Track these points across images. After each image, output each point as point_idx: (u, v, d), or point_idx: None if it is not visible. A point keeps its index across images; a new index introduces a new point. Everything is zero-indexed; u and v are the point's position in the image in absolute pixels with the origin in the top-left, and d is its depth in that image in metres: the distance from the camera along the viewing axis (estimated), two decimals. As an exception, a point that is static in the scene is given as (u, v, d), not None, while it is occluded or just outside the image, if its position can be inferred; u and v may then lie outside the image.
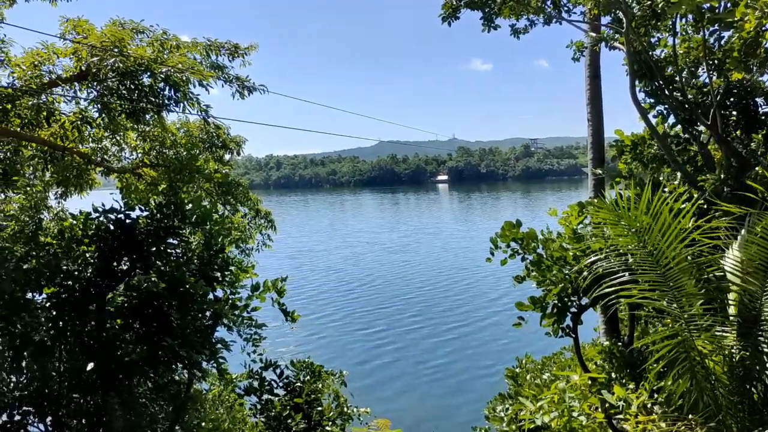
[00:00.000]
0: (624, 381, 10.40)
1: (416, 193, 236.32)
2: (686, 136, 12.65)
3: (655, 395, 8.47)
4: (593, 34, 13.50)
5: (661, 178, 11.49)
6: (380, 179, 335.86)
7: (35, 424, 11.11)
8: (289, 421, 11.07)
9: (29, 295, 10.62)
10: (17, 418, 10.99)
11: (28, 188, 13.64)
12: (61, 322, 9.86)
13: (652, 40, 13.00)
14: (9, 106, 10.01)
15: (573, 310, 10.64)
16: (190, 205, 10.42)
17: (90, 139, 12.99)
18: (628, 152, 13.00)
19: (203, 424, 12.45)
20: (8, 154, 12.84)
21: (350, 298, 45.29)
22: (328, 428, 11.46)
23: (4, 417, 11.00)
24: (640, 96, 12.29)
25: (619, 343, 12.15)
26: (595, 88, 14.88)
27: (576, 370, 11.48)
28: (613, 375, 11.01)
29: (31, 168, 13.74)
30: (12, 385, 10.95)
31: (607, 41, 13.08)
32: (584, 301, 10.64)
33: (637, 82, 11.95)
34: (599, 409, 8.91)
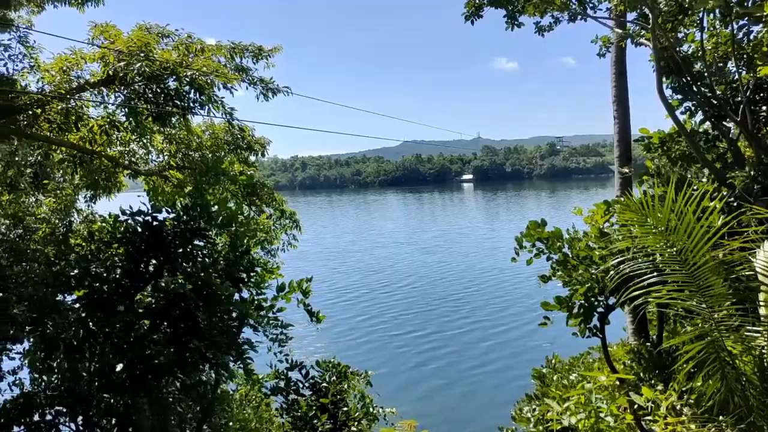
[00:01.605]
0: (653, 382, 10.28)
1: (441, 192, 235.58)
2: (715, 132, 12.44)
3: (685, 396, 8.36)
4: (619, 31, 13.34)
5: (689, 176, 11.33)
6: (405, 179, 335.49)
7: (67, 424, 11.32)
8: (315, 421, 11.12)
9: (59, 297, 10.83)
10: (49, 417, 11.22)
11: (58, 191, 13.91)
12: (90, 323, 10.02)
13: (680, 35, 12.81)
14: (39, 111, 10.21)
15: (600, 310, 10.54)
16: (216, 207, 10.53)
17: (118, 143, 13.18)
18: (655, 150, 12.82)
19: (231, 423, 12.57)
20: (39, 158, 13.10)
21: (383, 299, 45.11)
22: (353, 429, 11.48)
23: (36, 416, 11.23)
24: (667, 92, 12.12)
25: (648, 344, 12.01)
26: (621, 84, 14.70)
27: (604, 371, 11.37)
28: (642, 375, 10.89)
29: (61, 171, 14.00)
30: (44, 384, 11.17)
31: (632, 37, 12.90)
32: (611, 301, 10.53)
33: (663, 79, 11.78)
34: (624, 411, 8.82)
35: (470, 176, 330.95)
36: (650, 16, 10.73)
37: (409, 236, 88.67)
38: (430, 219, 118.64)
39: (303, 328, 12.07)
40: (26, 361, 11.41)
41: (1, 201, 13.22)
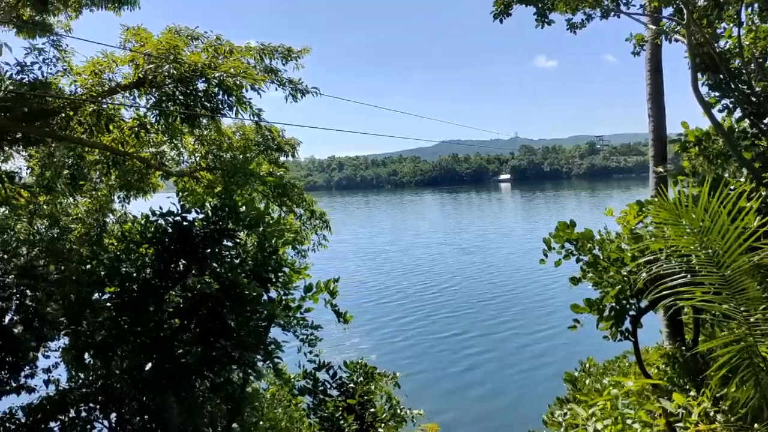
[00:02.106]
0: (687, 387, 10.00)
1: (479, 192, 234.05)
2: (754, 130, 12.05)
3: (720, 403, 8.11)
4: (653, 27, 13.02)
5: (726, 175, 10.99)
6: (441, 179, 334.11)
7: (100, 420, 11.54)
8: (342, 422, 11.12)
9: (93, 296, 11.04)
10: (84, 414, 11.45)
11: (93, 192, 14.19)
12: (121, 322, 10.18)
13: (719, 31, 12.46)
14: (71, 114, 10.43)
15: (632, 313, 10.30)
16: (244, 207, 10.60)
17: (149, 144, 13.39)
18: (691, 148, 12.49)
19: (261, 423, 12.63)
20: (74, 159, 13.39)
21: (421, 300, 44.82)
22: (381, 430, 11.44)
23: (72, 413, 11.46)
24: (704, 90, 11.79)
25: (683, 348, 11.70)
26: (656, 82, 14.32)
27: (637, 375, 11.12)
28: (676, 381, 10.61)
29: (97, 173, 14.28)
30: (80, 382, 11.39)
31: (667, 34, 12.57)
32: (644, 303, 10.28)
33: (699, 76, 11.47)
34: (659, 416, 8.58)
35: (508, 176, 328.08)
36: (685, 11, 10.45)
37: (447, 236, 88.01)
38: (468, 219, 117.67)
39: (346, 329, 12.00)
40: (63, 359, 11.68)
41: (39, 202, 13.54)
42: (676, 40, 12.63)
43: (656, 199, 9.51)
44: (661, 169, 13.49)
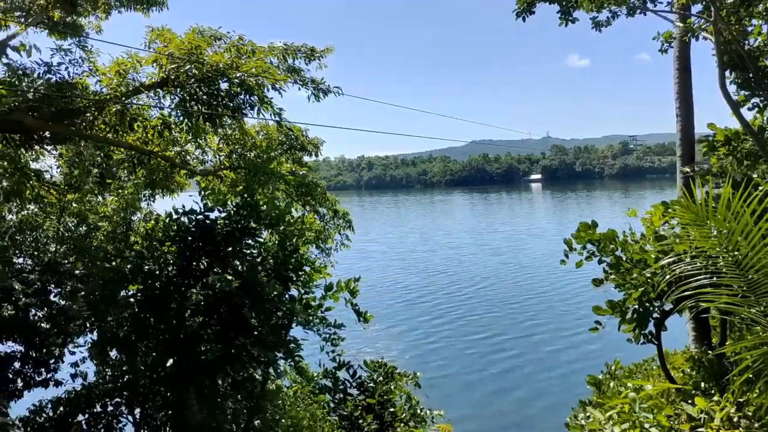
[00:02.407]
0: (713, 392, 9.80)
1: (509, 192, 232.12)
2: (785, 130, 11.77)
3: (744, 408, 7.93)
4: (680, 25, 12.78)
5: (755, 176, 10.75)
6: (471, 179, 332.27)
7: (125, 415, 11.73)
8: (360, 421, 11.12)
9: (118, 293, 11.22)
10: (110, 408, 11.65)
11: (120, 190, 14.43)
12: (143, 318, 10.32)
13: (748, 28, 12.16)
14: (96, 113, 10.61)
15: (656, 315, 10.12)
16: (265, 206, 10.66)
17: (174, 143, 13.56)
18: (720, 148, 12.23)
19: (283, 420, 12.69)
20: (102, 158, 13.63)
21: (451, 300, 44.52)
22: (399, 430, 11.41)
23: (98, 407, 11.68)
24: (732, 88, 11.54)
25: (710, 351, 11.47)
26: (684, 81, 14.04)
27: (661, 379, 10.93)
28: (703, 385, 10.39)
29: (125, 171, 14.52)
30: (108, 377, 11.60)
31: (694, 32, 12.31)
32: (668, 306, 10.10)
33: (727, 74, 11.23)
34: (684, 421, 8.42)
35: (538, 176, 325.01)
36: (712, 8, 10.23)
37: (478, 237, 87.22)
38: (499, 219, 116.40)
39: (364, 329, 11.98)
40: (89, 355, 11.89)
41: (68, 200, 13.80)
42: (705, 38, 12.38)
43: (682, 200, 9.35)
44: (687, 169, 13.23)
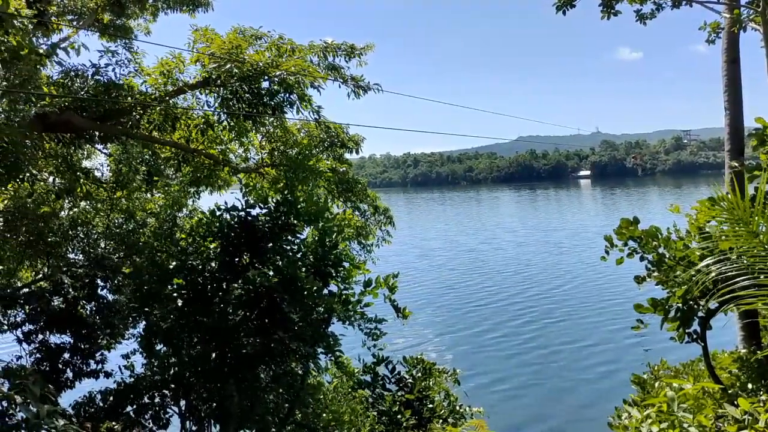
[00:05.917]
0: (761, 392, 9.52)
1: (557, 189, 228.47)
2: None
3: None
4: (727, 15, 12.39)
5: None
6: (518, 175, 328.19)
7: (171, 406, 12.07)
8: (399, 416, 11.17)
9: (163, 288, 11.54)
10: (157, 399, 12.02)
11: (167, 188, 14.81)
12: (187, 312, 10.57)
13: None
14: (141, 113, 10.93)
15: (700, 314, 9.87)
16: (304, 202, 10.80)
17: (217, 142, 13.84)
18: (771, 142, 11.82)
19: (324, 415, 12.84)
20: (150, 156, 14.02)
21: (504, 300, 44.02)
22: (437, 426, 11.41)
23: (146, 398, 12.05)
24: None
25: (758, 351, 11.15)
26: (733, 73, 13.58)
27: (707, 379, 10.66)
28: (750, 386, 10.11)
29: (172, 169, 14.89)
30: (154, 369, 11.95)
31: (741, 23, 11.92)
32: (713, 305, 9.84)
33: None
34: (730, 423, 8.21)
35: (587, 172, 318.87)
36: (761, -3, 9.90)
37: (530, 235, 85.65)
38: (553, 217, 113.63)
39: (403, 325, 11.98)
40: (138, 347, 12.26)
41: (117, 197, 14.24)
42: (754, 29, 11.99)
43: (729, 196, 9.10)
44: (735, 164, 12.82)
